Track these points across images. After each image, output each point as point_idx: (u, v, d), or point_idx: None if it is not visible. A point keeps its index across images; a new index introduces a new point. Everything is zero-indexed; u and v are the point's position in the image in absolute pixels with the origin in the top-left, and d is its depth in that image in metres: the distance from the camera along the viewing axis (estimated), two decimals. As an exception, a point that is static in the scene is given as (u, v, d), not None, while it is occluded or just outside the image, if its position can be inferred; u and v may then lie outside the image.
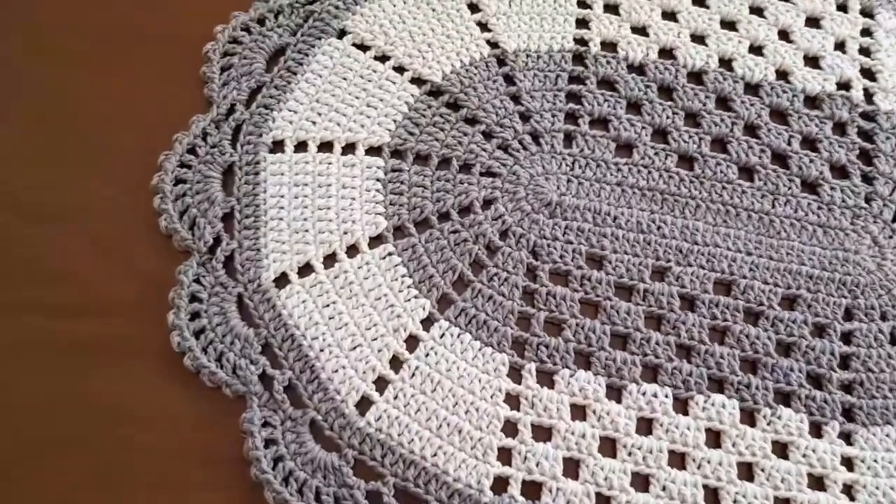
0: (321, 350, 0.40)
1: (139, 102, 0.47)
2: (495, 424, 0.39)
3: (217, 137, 0.46)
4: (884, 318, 0.43)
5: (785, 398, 0.40)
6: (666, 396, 0.40)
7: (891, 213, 0.46)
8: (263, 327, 0.41)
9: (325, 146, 0.46)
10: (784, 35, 0.51)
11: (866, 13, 0.52)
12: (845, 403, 0.40)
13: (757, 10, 0.52)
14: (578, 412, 0.39)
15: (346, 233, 0.43)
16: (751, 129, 0.48)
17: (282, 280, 0.42)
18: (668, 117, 0.48)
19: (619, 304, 0.42)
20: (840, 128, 0.48)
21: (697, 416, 0.40)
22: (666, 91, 0.49)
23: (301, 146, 0.46)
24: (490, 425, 0.38)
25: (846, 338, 0.43)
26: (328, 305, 0.41)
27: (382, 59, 0.49)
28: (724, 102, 0.49)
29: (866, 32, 0.52)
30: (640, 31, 0.51)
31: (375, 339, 0.41)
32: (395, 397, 0.39)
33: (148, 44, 0.49)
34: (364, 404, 0.39)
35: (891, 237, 0.45)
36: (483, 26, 0.51)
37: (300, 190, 0.45)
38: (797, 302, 0.43)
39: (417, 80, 0.49)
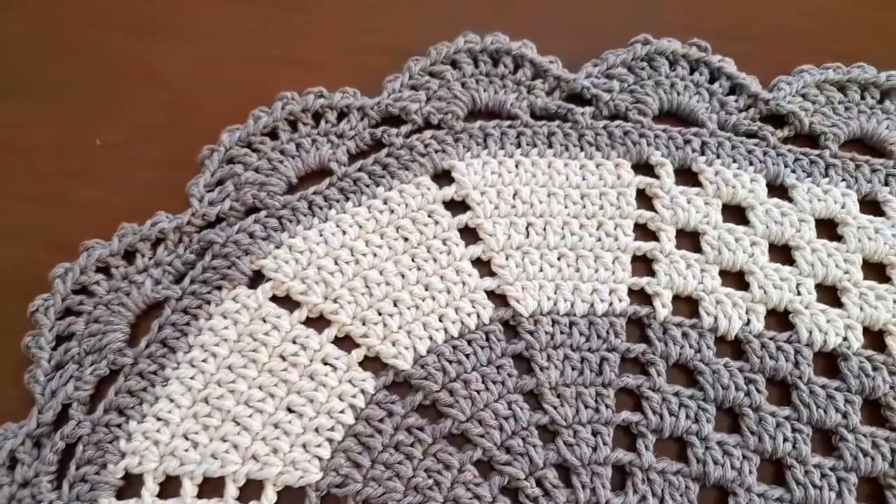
0: None
1: None
2: None
3: (31, 469, 0.33)
4: None
5: None
6: None
7: None
8: None
9: (213, 486, 0.34)
10: (967, 289, 0.39)
11: None
12: None
13: (920, 245, 0.40)
14: None
15: None
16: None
17: None
18: (785, 439, 0.35)
19: None
20: None
21: None
22: (782, 388, 0.37)
23: (171, 484, 0.34)
24: None
25: None
26: None
27: (319, 323, 0.38)
28: (876, 411, 0.36)
29: None
30: (736, 278, 0.40)
31: None
32: None
33: None
34: None
35: None
36: (484, 266, 0.39)
37: (160, 575, 0.32)
38: None
39: (374, 362, 0.37)
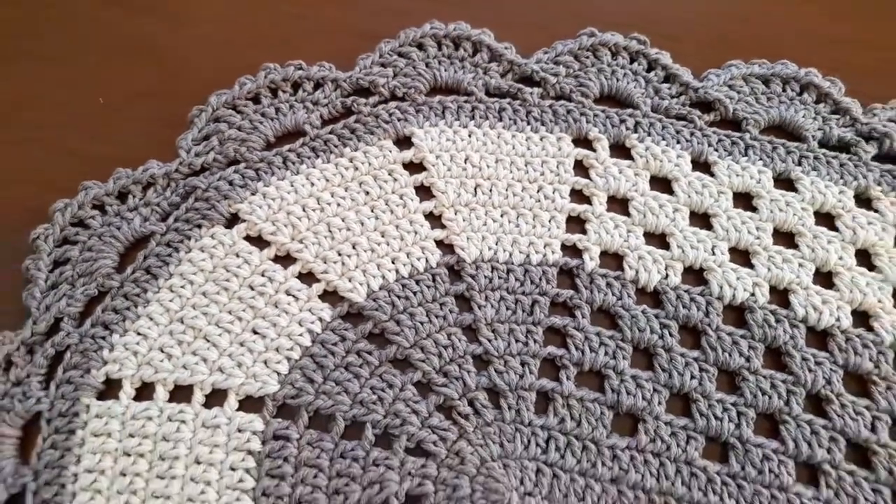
0: None
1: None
2: None
3: (24, 371, 0.38)
4: None
5: None
6: None
7: None
8: None
9: (182, 392, 0.39)
10: (864, 257, 0.44)
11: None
12: None
13: (826, 218, 0.46)
14: None
15: (187, 543, 0.35)
16: (815, 403, 0.40)
17: None
18: (692, 377, 0.40)
19: None
20: (951, 408, 0.40)
21: None
22: (692, 333, 0.42)
23: (146, 390, 0.39)
24: None
25: None
26: None
27: (286, 261, 0.43)
28: (776, 357, 0.41)
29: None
30: (659, 239, 0.45)
31: None
32: None
33: None
34: None
35: None
36: (435, 220, 0.45)
37: (131, 463, 0.37)
38: None
39: (331, 296, 0.42)
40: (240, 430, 0.38)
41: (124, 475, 0.37)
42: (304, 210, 0.44)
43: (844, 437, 0.40)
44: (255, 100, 0.48)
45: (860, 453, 0.40)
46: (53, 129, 0.48)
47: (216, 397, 0.40)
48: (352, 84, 0.49)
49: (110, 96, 0.49)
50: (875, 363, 0.41)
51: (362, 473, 0.38)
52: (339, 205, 0.45)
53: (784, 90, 0.51)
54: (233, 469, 0.38)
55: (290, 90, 0.49)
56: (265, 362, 0.40)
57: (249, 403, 0.40)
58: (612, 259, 0.45)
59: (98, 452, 0.38)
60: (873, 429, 0.40)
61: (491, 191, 0.46)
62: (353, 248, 0.43)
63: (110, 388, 0.40)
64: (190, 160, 0.45)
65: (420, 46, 0.51)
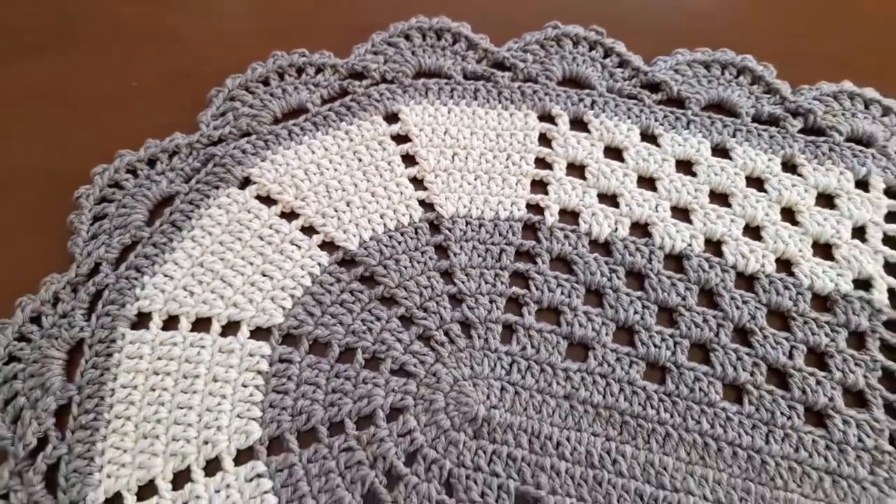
0: None
1: (-13, 253, 0.48)
2: None
3: (69, 305, 0.45)
4: None
5: None
6: None
7: (924, 461, 0.43)
8: (78, 571, 0.38)
9: (203, 323, 0.46)
10: (789, 214, 0.51)
11: (893, 193, 0.52)
12: None
13: (756, 182, 0.52)
14: None
15: (206, 443, 0.41)
16: (741, 335, 0.46)
17: (115, 502, 0.40)
18: (635, 312, 0.46)
19: (554, 570, 0.39)
20: (858, 339, 0.46)
21: None
22: (637, 278, 0.48)
23: (172, 322, 0.46)
24: None
25: None
26: (167, 545, 0.38)
27: (290, 216, 0.50)
28: (708, 297, 0.48)
29: (893, 217, 0.51)
30: (610, 199, 0.51)
31: None
32: None
33: (7, 180, 0.50)
34: None
35: (924, 496, 0.42)
36: (418, 183, 0.52)
37: (159, 380, 0.43)
38: (794, 581, 0.39)
39: (329, 245, 0.49)
40: (251, 355, 0.45)
41: (153, 390, 0.44)
42: (306, 174, 0.51)
43: (765, 363, 0.46)
44: (265, 82, 0.56)
45: (779, 377, 0.46)
46: (94, 107, 0.55)
47: (231, 328, 0.46)
48: (348, 69, 0.56)
49: (142, 80, 0.57)
50: (794, 302, 0.48)
51: (353, 389, 0.44)
52: (336, 170, 0.52)
53: (723, 73, 0.58)
54: (244, 386, 0.44)
55: (295, 74, 0.56)
56: (272, 299, 0.47)
57: (259, 333, 0.46)
58: (570, 216, 0.51)
59: (132, 372, 0.44)
60: (790, 356, 0.46)
61: (466, 158, 0.53)
62: (348, 205, 0.50)
63: (142, 320, 0.46)
64: (209, 133, 0.52)
65: (407, 37, 0.58)
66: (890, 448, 0.43)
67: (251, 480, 0.41)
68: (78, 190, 0.49)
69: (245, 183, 0.51)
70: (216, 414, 0.43)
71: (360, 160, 0.52)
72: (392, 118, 0.55)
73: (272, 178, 0.51)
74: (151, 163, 0.51)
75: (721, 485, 0.42)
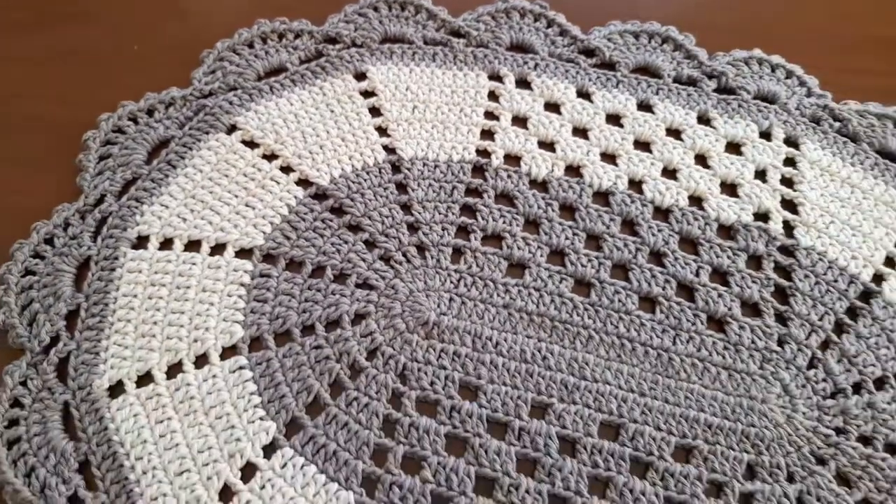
0: (143, 473, 0.43)
1: (5, 187, 0.54)
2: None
3: (78, 228, 0.52)
4: (791, 479, 0.45)
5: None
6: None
7: (805, 359, 0.50)
8: (85, 441, 0.44)
9: (194, 245, 0.53)
10: (701, 160, 0.58)
11: (791, 142, 0.60)
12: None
13: (674, 133, 0.60)
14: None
15: (196, 341, 0.48)
16: (656, 257, 0.54)
17: (118, 389, 0.46)
18: (566, 238, 0.54)
19: (490, 442, 0.45)
20: (755, 261, 0.54)
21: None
22: (568, 210, 0.56)
23: (168, 244, 0.53)
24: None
25: (746, 500, 0.45)
26: (162, 422, 0.45)
27: (270, 157, 0.57)
28: (629, 226, 0.55)
29: (790, 162, 0.59)
30: (548, 146, 0.59)
31: (207, 465, 0.44)
32: (216, 535, 0.42)
33: (28, 126, 0.57)
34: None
35: (803, 386, 0.49)
36: (382, 131, 0.59)
37: (155, 290, 0.50)
38: (692, 454, 0.46)
39: (304, 182, 0.56)
40: (235, 270, 0.51)
41: (150, 298, 0.50)
42: (284, 122, 0.59)
43: (675, 280, 0.53)
44: (251, 45, 0.64)
45: (687, 291, 0.53)
46: (101, 67, 0.63)
47: (218, 249, 0.53)
48: (323, 35, 0.64)
49: (143, 45, 0.64)
50: (702, 230, 0.55)
51: (323, 299, 0.51)
52: (311, 119, 0.59)
53: (649, 42, 0.66)
54: (229, 295, 0.50)
55: (277, 39, 0.64)
56: (254, 225, 0.53)
57: (243, 253, 0.53)
58: (513, 159, 0.59)
59: (132, 283, 0.51)
60: (697, 274, 0.53)
61: (424, 111, 0.60)
62: (321, 148, 0.58)
63: (141, 242, 0.53)
64: (201, 87, 0.60)
65: (375, 8, 0.66)
66: (777, 348, 0.50)
67: (234, 371, 0.47)
68: (86, 133, 0.57)
69: (231, 129, 0.59)
70: (205, 317, 0.49)
71: (332, 111, 0.60)
72: (361, 77, 0.63)
73: (255, 126, 0.58)
74: (150, 112, 0.59)
75: (634, 377, 0.49)
